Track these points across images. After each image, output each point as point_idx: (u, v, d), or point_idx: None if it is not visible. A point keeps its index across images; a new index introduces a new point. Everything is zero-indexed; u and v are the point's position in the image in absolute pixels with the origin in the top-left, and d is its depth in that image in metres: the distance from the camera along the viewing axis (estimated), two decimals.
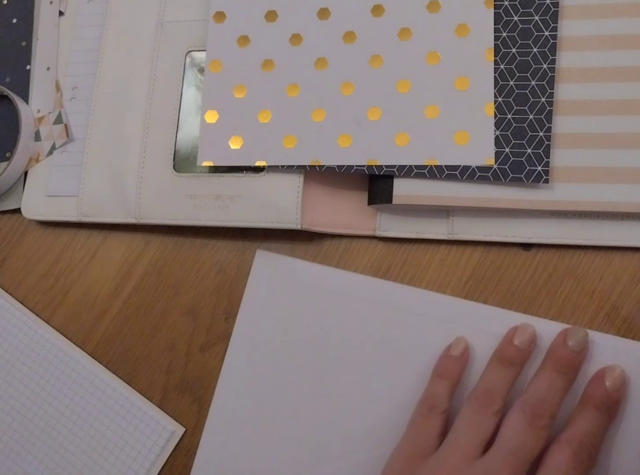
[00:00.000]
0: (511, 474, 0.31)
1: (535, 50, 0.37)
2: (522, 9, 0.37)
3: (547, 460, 0.32)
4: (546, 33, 0.37)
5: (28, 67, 0.48)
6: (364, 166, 0.38)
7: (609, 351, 0.34)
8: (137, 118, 0.43)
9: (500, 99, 0.37)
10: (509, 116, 0.37)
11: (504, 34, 0.37)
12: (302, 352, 0.39)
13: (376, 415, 0.37)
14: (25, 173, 0.46)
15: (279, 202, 0.39)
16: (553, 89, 0.36)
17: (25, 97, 0.47)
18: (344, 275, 0.40)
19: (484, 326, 0.36)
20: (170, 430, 0.41)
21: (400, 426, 0.36)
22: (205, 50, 0.42)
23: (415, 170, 0.37)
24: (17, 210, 0.46)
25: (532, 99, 0.37)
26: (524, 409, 0.32)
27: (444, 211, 0.39)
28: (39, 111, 0.46)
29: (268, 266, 0.41)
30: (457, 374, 0.36)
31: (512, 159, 0.36)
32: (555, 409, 0.33)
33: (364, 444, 0.37)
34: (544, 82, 0.36)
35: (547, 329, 0.35)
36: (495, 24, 0.37)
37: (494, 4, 0.38)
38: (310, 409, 0.38)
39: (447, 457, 0.32)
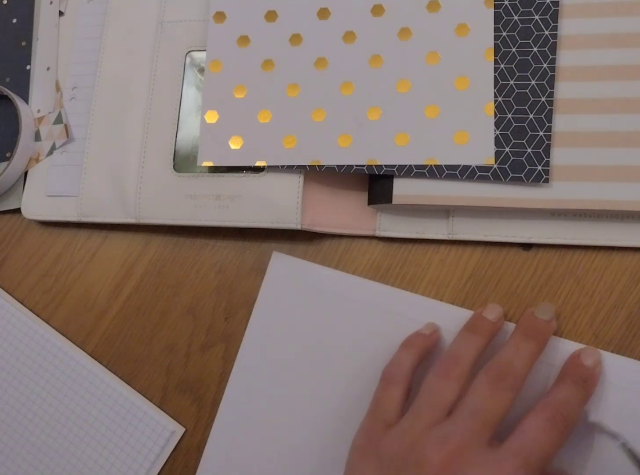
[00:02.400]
0: (470, 436, 0.30)
1: (535, 49, 0.37)
2: (522, 8, 0.37)
3: (520, 424, 0.31)
4: (546, 32, 0.37)
5: (28, 67, 0.48)
6: (363, 166, 0.38)
7: (623, 372, 0.35)
8: (137, 118, 0.43)
9: (500, 99, 0.37)
10: (509, 116, 0.37)
11: (504, 34, 0.37)
12: (313, 355, 0.39)
13: None
14: (25, 173, 0.46)
15: (279, 202, 0.39)
16: (553, 89, 0.36)
17: (25, 97, 0.47)
18: (359, 281, 0.40)
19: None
20: (170, 430, 0.41)
21: None
22: (205, 50, 0.42)
23: (415, 170, 0.37)
24: (17, 210, 0.46)
25: (532, 99, 0.36)
26: (487, 372, 0.32)
27: (444, 211, 0.39)
28: (39, 111, 0.46)
29: (283, 269, 0.41)
30: (422, 347, 0.36)
31: (512, 158, 0.36)
32: (521, 372, 0.32)
33: None
34: (544, 82, 0.36)
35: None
36: (495, 24, 0.37)
37: (494, 4, 0.37)
38: (320, 413, 0.38)
39: (409, 425, 0.32)
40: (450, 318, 0.37)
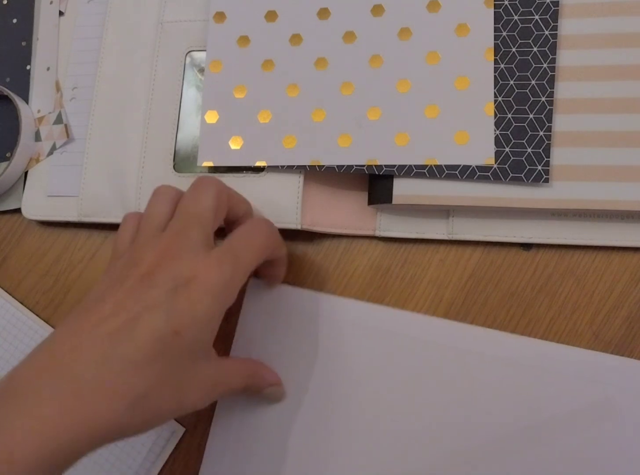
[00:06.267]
0: (181, 236, 0.32)
1: (535, 49, 0.37)
2: (522, 8, 0.37)
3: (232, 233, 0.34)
4: (546, 32, 0.37)
5: (28, 67, 0.48)
6: (363, 166, 0.38)
7: (600, 369, 0.35)
8: (137, 118, 0.43)
9: (500, 99, 0.37)
10: (509, 115, 0.37)
11: (504, 34, 0.37)
12: (298, 373, 0.39)
13: (376, 423, 0.37)
14: (25, 173, 0.46)
15: (279, 202, 0.39)
16: (553, 89, 0.36)
17: (25, 97, 0.47)
18: (336, 301, 0.39)
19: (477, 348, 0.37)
20: (170, 430, 0.41)
21: (397, 443, 0.36)
22: (205, 50, 0.42)
23: (415, 170, 0.37)
24: (17, 210, 0.46)
25: (532, 98, 0.36)
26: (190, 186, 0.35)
27: (444, 211, 0.39)
28: (39, 111, 0.46)
29: (261, 295, 0.40)
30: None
31: (512, 158, 0.36)
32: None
33: (367, 449, 0.37)
34: (544, 82, 0.36)
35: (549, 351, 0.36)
36: (495, 24, 0.37)
37: (494, 4, 0.37)
38: (316, 412, 0.38)
39: (135, 241, 0.34)
40: (437, 333, 0.37)
